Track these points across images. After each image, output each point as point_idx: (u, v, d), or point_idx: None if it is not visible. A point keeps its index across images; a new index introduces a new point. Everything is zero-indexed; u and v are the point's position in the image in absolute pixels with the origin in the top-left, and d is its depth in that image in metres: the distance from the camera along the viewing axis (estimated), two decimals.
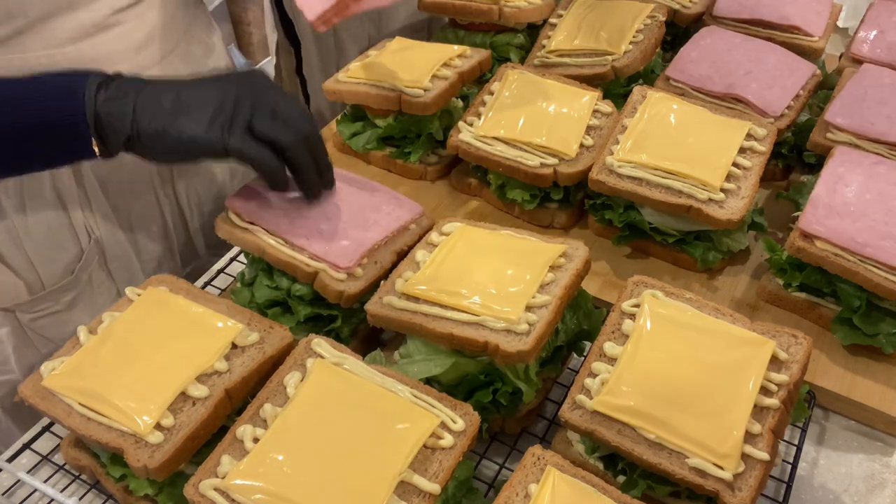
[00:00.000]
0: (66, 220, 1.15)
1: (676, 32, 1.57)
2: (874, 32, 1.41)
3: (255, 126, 0.93)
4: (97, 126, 0.90)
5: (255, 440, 0.81)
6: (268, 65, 2.31)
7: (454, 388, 0.95)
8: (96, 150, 0.92)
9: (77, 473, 0.96)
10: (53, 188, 1.12)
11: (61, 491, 0.94)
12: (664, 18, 1.45)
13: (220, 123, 0.91)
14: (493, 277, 0.96)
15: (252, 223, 1.05)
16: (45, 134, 0.90)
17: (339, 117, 1.45)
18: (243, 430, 0.82)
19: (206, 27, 1.34)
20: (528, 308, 0.92)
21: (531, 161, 1.20)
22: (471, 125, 1.26)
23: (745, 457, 0.81)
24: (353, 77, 1.35)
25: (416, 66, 1.31)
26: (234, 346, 0.91)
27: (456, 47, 1.38)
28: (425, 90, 1.28)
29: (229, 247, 1.27)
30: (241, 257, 1.24)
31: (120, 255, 1.24)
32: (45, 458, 0.97)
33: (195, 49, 1.28)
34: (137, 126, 0.91)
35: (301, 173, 1.00)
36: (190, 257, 1.38)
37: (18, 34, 1.01)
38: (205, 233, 1.37)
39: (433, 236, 1.05)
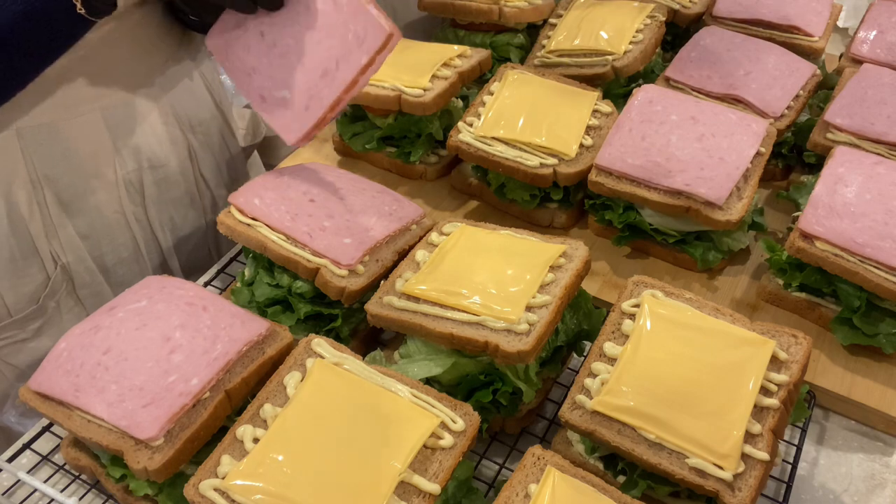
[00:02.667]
0: (30, 247, 1.11)
1: (676, 32, 1.57)
2: (874, 32, 1.41)
3: None
4: None
5: (255, 440, 0.81)
6: None
7: (454, 388, 0.95)
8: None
9: (77, 473, 0.96)
10: (9, 217, 1.08)
11: (61, 491, 0.94)
12: (664, 18, 1.45)
13: None
14: (493, 277, 0.96)
15: (254, 219, 1.05)
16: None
17: (339, 117, 1.45)
18: (243, 430, 0.82)
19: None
20: (529, 308, 0.92)
21: (531, 161, 1.20)
22: (470, 125, 1.26)
23: (745, 457, 0.81)
24: None
25: (416, 66, 1.31)
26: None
27: (456, 47, 1.38)
28: (425, 90, 1.28)
29: (205, 269, 1.25)
30: (241, 257, 1.24)
31: (89, 282, 1.19)
32: (45, 458, 0.97)
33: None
34: None
35: None
36: None
37: None
38: (179, 255, 1.32)
39: (433, 236, 1.05)
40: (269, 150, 1.68)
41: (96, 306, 1.10)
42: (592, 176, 1.17)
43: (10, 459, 0.96)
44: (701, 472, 0.80)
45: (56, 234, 1.13)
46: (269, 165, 1.50)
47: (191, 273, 1.32)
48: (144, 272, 1.27)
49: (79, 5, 0.92)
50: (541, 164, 1.20)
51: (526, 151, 1.22)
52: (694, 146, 1.16)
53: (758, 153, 1.17)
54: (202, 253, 1.35)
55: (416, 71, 1.30)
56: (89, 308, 1.20)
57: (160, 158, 1.22)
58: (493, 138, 1.24)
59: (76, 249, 1.16)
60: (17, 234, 1.09)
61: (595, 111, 1.28)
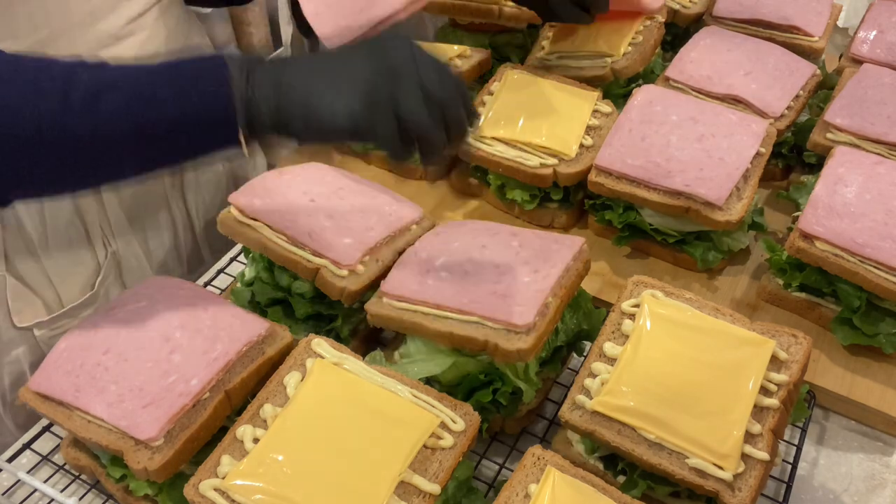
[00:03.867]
0: (83, 234, 1.13)
1: (676, 32, 1.57)
2: (874, 32, 1.41)
3: (402, 107, 0.79)
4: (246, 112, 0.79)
5: (255, 440, 0.81)
6: None
7: (454, 388, 0.95)
8: (242, 139, 0.80)
9: (77, 473, 0.96)
10: (73, 201, 1.10)
11: (61, 491, 0.94)
12: (664, 19, 1.44)
13: (369, 105, 0.78)
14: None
15: (254, 219, 1.05)
16: (186, 128, 0.78)
17: None
18: (243, 430, 0.82)
19: (200, 35, 1.34)
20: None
21: (531, 161, 1.20)
22: None
23: (745, 457, 0.81)
24: None
25: None
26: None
27: (456, 47, 1.38)
28: None
29: (231, 247, 1.26)
30: (241, 257, 1.24)
31: (135, 268, 1.22)
32: (45, 458, 0.97)
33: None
34: (286, 111, 0.79)
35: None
36: (196, 263, 1.38)
37: (42, 45, 1.00)
38: (209, 238, 1.36)
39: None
40: (268, 150, 1.68)
41: None
42: (592, 176, 1.17)
43: (10, 459, 0.96)
44: (701, 473, 0.80)
45: (107, 220, 1.15)
46: (269, 165, 1.50)
47: (219, 257, 1.33)
48: (180, 257, 1.31)
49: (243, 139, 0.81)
50: (541, 164, 1.20)
51: (526, 151, 1.22)
52: (694, 146, 1.16)
53: (758, 153, 1.17)
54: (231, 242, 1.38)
55: None
56: None
57: None
58: (493, 138, 1.24)
59: (125, 235, 1.18)
60: (78, 219, 1.12)
61: (595, 111, 1.28)
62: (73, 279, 1.14)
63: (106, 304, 0.98)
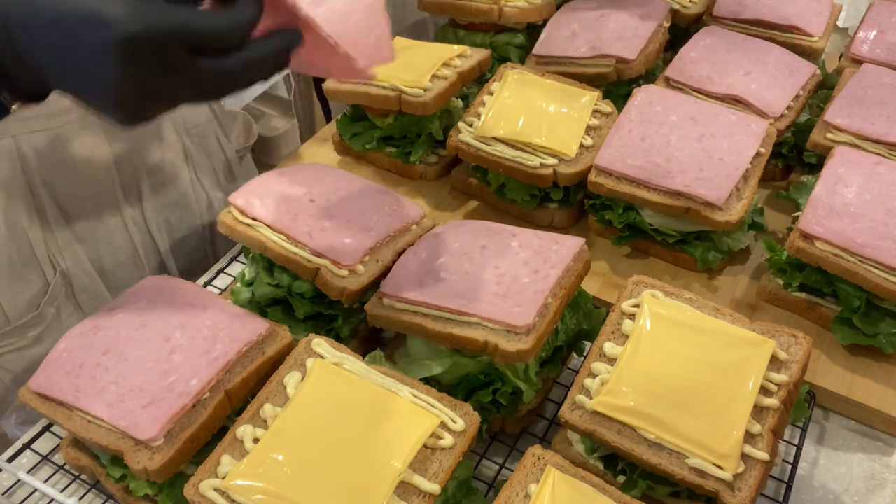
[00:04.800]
0: (29, 253, 1.10)
1: (677, 32, 1.57)
2: (874, 32, 1.41)
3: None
4: None
5: (255, 440, 0.81)
6: None
7: (454, 388, 0.95)
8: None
9: (77, 473, 0.96)
10: (7, 224, 1.06)
11: (61, 491, 0.94)
12: (668, 23, 1.45)
13: None
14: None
15: (254, 219, 1.05)
16: None
17: (339, 117, 1.45)
18: (243, 430, 0.82)
19: None
20: None
21: (531, 161, 1.20)
22: (470, 125, 1.26)
23: (744, 457, 0.81)
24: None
25: (416, 66, 1.31)
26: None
27: (456, 47, 1.38)
28: (425, 90, 1.28)
29: (203, 270, 1.25)
30: (241, 257, 1.24)
31: (88, 286, 1.18)
32: (45, 458, 0.97)
33: None
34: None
35: None
36: (161, 272, 1.33)
37: None
38: (176, 257, 1.31)
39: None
40: (268, 150, 1.68)
41: (95, 311, 1.09)
42: (592, 176, 1.17)
43: (10, 459, 0.96)
44: (701, 473, 0.80)
45: (55, 240, 1.12)
46: (270, 165, 1.50)
47: (189, 274, 1.32)
48: (142, 275, 1.26)
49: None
50: (541, 164, 1.20)
51: (526, 151, 1.22)
52: (694, 147, 1.16)
53: (757, 154, 1.17)
54: (199, 255, 1.35)
55: (416, 71, 1.30)
56: (88, 313, 1.19)
57: (157, 162, 1.22)
58: (493, 138, 1.23)
59: (75, 254, 1.15)
60: (17, 241, 1.09)
61: (595, 111, 1.28)
62: (19, 297, 1.10)
63: (109, 303, 0.97)
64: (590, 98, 1.29)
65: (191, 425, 0.84)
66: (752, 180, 1.14)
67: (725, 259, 1.19)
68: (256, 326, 0.93)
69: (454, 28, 1.56)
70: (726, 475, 0.79)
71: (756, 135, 1.18)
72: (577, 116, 1.26)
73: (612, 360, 0.89)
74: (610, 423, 0.84)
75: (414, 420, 0.82)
